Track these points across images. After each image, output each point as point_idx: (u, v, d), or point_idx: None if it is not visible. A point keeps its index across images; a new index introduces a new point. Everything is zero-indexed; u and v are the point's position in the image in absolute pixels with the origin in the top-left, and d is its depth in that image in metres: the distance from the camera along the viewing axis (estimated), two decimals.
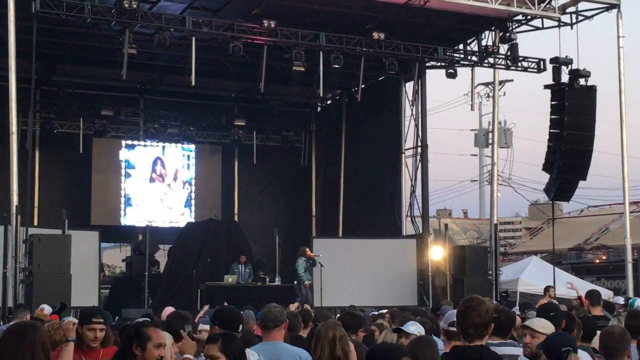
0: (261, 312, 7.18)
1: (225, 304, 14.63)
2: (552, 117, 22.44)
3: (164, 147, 27.35)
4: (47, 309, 13.11)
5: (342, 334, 6.24)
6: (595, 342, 6.76)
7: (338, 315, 11.92)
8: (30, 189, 20.36)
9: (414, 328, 7.28)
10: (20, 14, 18.08)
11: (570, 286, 16.21)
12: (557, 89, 22.39)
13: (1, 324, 14.69)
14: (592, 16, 22.62)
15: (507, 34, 22.30)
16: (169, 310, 11.45)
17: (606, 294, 21.22)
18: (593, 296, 11.22)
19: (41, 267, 17.60)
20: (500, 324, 5.93)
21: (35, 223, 22.62)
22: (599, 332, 6.75)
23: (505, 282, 24.88)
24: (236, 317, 6.85)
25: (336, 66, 21.32)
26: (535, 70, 22.90)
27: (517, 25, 22.71)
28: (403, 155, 25.74)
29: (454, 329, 5.71)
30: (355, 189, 27.43)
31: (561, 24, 22.45)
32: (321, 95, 24.57)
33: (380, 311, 14.51)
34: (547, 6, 21.78)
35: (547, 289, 19.24)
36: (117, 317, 17.58)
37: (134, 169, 26.83)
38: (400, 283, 22.28)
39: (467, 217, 71.76)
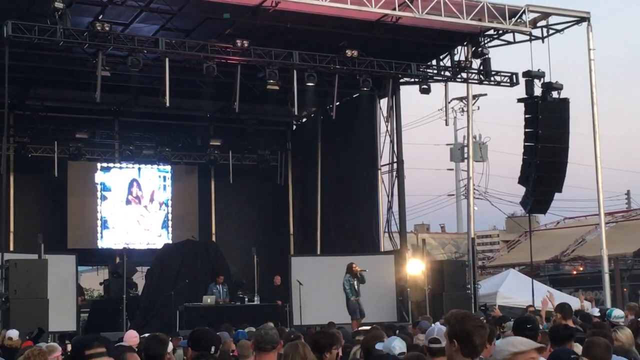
0: (255, 333, 6.97)
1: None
2: (526, 130, 22.56)
3: (139, 168, 27.25)
4: (14, 334, 12.81)
5: (310, 353, 6.37)
6: None
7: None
8: (5, 213, 20.22)
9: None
10: None
11: (548, 297, 16.20)
12: (530, 102, 22.53)
13: None
14: (562, 29, 22.86)
15: (479, 49, 22.42)
16: (132, 334, 11.35)
17: (586, 305, 21.23)
18: (564, 310, 11.14)
19: (18, 293, 17.47)
20: None
21: (11, 248, 22.49)
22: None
23: (484, 295, 24.98)
24: (210, 338, 6.75)
25: (310, 84, 21.41)
26: (508, 84, 23.04)
27: (489, 40, 22.85)
28: (379, 171, 25.78)
29: (436, 345, 5.68)
30: (333, 206, 27.43)
31: (532, 37, 22.61)
32: (296, 113, 24.52)
33: (361, 327, 14.50)
34: (518, 20, 21.94)
35: (527, 308, 19.53)
36: None
37: (110, 192, 26.70)
38: (379, 299, 22.26)
39: (444, 232, 71.69)
